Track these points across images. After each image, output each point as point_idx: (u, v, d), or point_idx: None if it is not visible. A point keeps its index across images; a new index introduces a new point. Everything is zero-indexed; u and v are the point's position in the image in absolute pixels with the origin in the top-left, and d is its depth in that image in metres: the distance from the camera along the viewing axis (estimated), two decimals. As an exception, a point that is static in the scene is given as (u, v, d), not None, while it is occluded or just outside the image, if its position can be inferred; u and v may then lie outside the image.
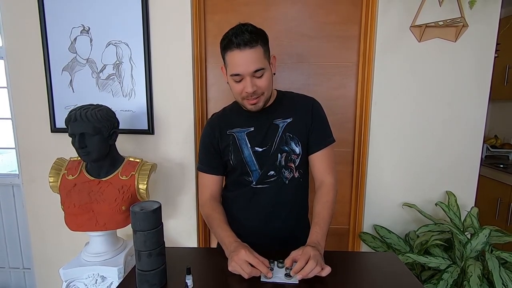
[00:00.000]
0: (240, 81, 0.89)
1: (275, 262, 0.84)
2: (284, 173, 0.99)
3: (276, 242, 1.01)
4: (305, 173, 1.05)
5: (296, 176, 1.00)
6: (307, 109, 1.00)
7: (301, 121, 0.99)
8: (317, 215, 0.94)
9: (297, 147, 0.98)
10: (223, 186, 1.10)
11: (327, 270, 0.76)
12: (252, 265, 0.78)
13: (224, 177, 1.09)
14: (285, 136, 0.98)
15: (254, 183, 1.00)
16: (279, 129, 0.98)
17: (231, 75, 0.90)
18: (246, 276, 0.77)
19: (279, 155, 0.97)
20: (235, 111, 1.03)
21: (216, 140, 1.02)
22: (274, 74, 0.96)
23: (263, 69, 0.88)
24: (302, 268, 0.75)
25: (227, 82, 0.95)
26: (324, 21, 1.45)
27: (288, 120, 0.99)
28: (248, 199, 1.02)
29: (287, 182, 0.99)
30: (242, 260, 0.78)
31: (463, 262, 1.15)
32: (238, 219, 1.01)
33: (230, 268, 0.80)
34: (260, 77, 0.89)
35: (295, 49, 1.47)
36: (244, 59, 0.86)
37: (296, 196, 1.03)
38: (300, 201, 1.05)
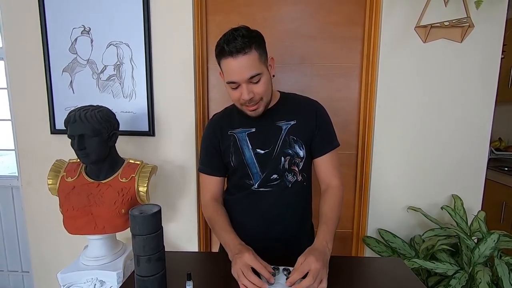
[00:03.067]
0: (236, 88, 0.88)
1: (280, 268, 0.81)
2: (288, 176, 0.96)
3: (279, 246, 0.98)
4: (308, 177, 1.03)
5: (300, 180, 0.98)
6: (311, 113, 0.99)
7: (305, 124, 0.97)
8: (324, 215, 0.92)
9: (301, 150, 0.96)
10: (225, 189, 1.08)
11: (322, 286, 0.73)
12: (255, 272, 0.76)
13: (226, 179, 1.07)
14: (288, 139, 0.95)
15: (255, 186, 0.97)
16: (282, 131, 0.96)
17: (227, 83, 0.88)
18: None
19: (282, 158, 0.95)
20: (236, 111, 1.01)
21: (217, 141, 1.00)
22: (273, 76, 0.94)
23: (259, 74, 0.86)
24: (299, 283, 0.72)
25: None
26: (327, 21, 1.43)
27: (292, 123, 0.97)
28: (250, 203, 0.99)
29: (290, 185, 0.97)
30: (245, 265, 0.76)
31: (471, 268, 1.12)
32: (240, 223, 0.99)
33: (232, 272, 0.79)
34: (257, 82, 0.86)
35: (297, 50, 1.45)
36: (238, 66, 0.83)
37: (299, 200, 1.01)
38: (303, 204, 1.03)
